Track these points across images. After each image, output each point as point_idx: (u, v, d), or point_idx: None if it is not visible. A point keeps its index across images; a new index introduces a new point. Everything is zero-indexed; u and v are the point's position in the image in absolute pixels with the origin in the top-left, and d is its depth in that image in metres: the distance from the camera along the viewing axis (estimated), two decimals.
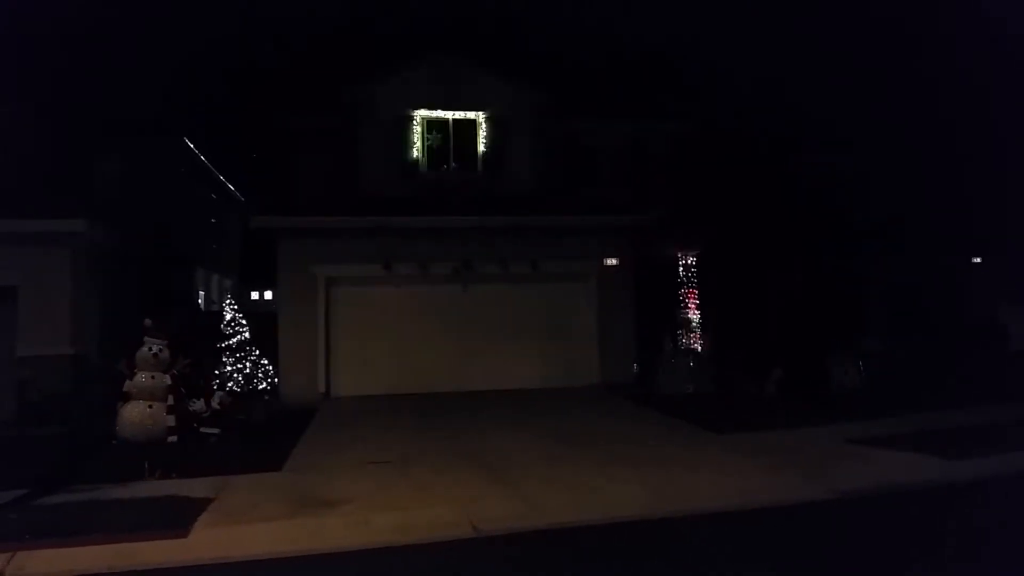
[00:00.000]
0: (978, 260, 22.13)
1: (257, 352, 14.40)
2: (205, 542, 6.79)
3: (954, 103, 22.26)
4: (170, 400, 10.54)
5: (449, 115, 17.86)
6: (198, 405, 11.89)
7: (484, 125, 17.88)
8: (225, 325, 14.65)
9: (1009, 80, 21.57)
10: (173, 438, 10.33)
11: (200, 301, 22.68)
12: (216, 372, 12.84)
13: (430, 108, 17.79)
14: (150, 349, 10.64)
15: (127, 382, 10.53)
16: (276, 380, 14.14)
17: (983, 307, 17.94)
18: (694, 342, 15.83)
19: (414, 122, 17.64)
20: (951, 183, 21.17)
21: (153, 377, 10.54)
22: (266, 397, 13.96)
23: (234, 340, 14.40)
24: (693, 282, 16.16)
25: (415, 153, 17.61)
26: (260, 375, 13.99)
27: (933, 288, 18.05)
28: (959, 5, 21.56)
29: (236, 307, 15.20)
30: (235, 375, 13.56)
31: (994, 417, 11.49)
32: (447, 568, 6.32)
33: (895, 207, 19.80)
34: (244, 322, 14.73)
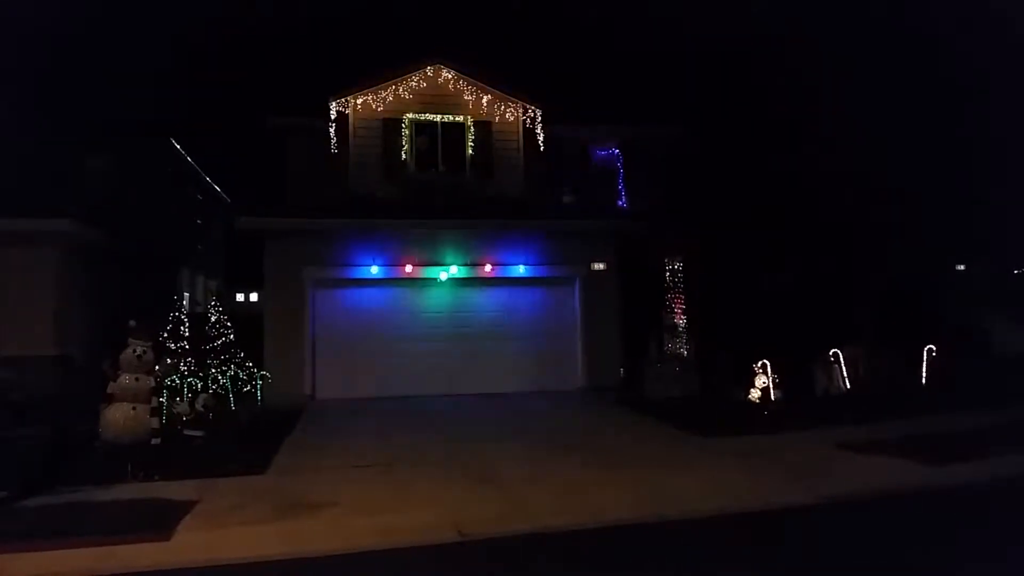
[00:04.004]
0: (962, 267, 22.31)
1: (242, 354, 14.32)
2: (188, 545, 6.75)
3: (941, 109, 22.43)
4: (154, 402, 10.48)
5: (437, 118, 17.85)
6: (182, 407, 11.82)
7: (472, 128, 17.89)
8: (210, 327, 14.54)
9: (1000, 87, 21.74)
10: (157, 440, 10.26)
11: (185, 303, 22.55)
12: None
13: (418, 111, 17.77)
14: (134, 351, 10.56)
15: (111, 384, 10.44)
16: (261, 382, 14.07)
17: (966, 313, 18.06)
18: (680, 346, 15.86)
19: (402, 124, 17.62)
20: (935, 190, 21.32)
21: (137, 379, 10.46)
22: (258, 402, 13.88)
23: (219, 342, 14.30)
24: (679, 286, 16.19)
25: (403, 155, 17.58)
26: (245, 377, 13.91)
27: (917, 294, 18.15)
28: (946, 7, 21.72)
29: (221, 309, 15.10)
30: (219, 377, 13.47)
31: (977, 422, 11.56)
32: (432, 572, 6.30)
33: (881, 213, 19.91)
34: (229, 324, 14.64)
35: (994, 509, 7.78)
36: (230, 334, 14.52)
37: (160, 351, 12.39)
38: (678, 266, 16.24)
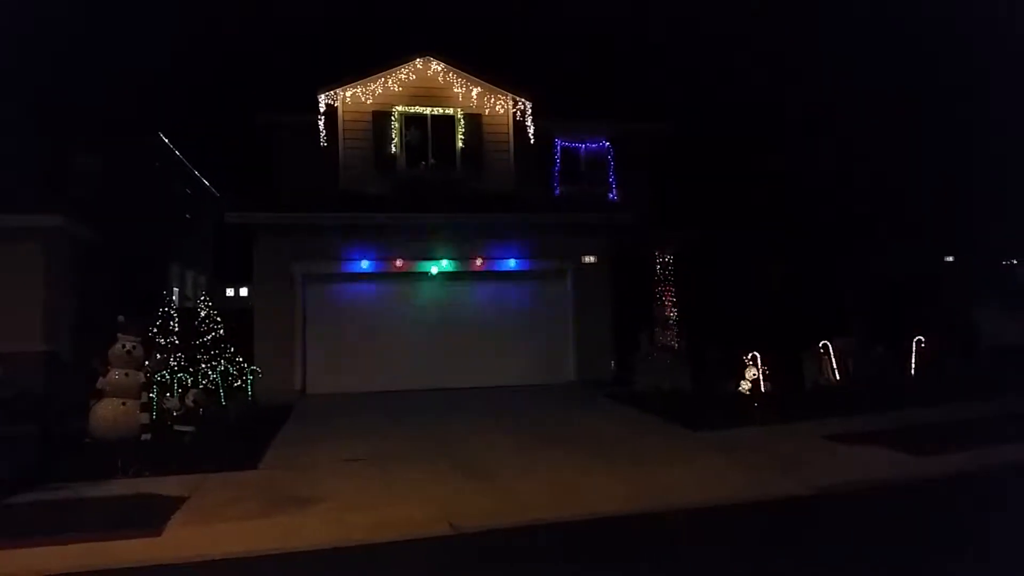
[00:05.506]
0: (951, 259, 22.41)
1: (232, 349, 14.27)
2: (179, 541, 6.72)
3: (929, 104, 22.52)
4: (144, 398, 10.43)
5: (427, 111, 17.77)
6: (172, 402, 11.78)
7: (462, 121, 17.82)
8: (200, 322, 14.48)
9: (987, 82, 21.84)
10: (147, 436, 10.22)
11: (175, 298, 22.48)
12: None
13: (408, 104, 17.70)
14: (123, 346, 10.51)
15: (100, 379, 10.39)
16: (251, 377, 14.02)
17: (956, 305, 18.13)
18: (671, 339, 15.88)
19: (392, 118, 17.54)
20: (924, 183, 21.42)
21: (127, 374, 10.42)
22: (249, 397, 13.83)
23: (209, 337, 14.24)
24: (670, 280, 16.21)
25: (393, 149, 17.52)
26: (235, 372, 13.85)
27: (907, 287, 18.23)
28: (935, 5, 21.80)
29: (211, 304, 15.04)
30: (210, 372, 13.42)
31: (965, 414, 11.66)
32: (425, 566, 6.29)
33: (871, 206, 19.99)
34: (219, 319, 14.57)
35: (983, 499, 7.84)
36: (220, 329, 14.45)
37: (150, 346, 12.33)
38: (669, 259, 16.25)
